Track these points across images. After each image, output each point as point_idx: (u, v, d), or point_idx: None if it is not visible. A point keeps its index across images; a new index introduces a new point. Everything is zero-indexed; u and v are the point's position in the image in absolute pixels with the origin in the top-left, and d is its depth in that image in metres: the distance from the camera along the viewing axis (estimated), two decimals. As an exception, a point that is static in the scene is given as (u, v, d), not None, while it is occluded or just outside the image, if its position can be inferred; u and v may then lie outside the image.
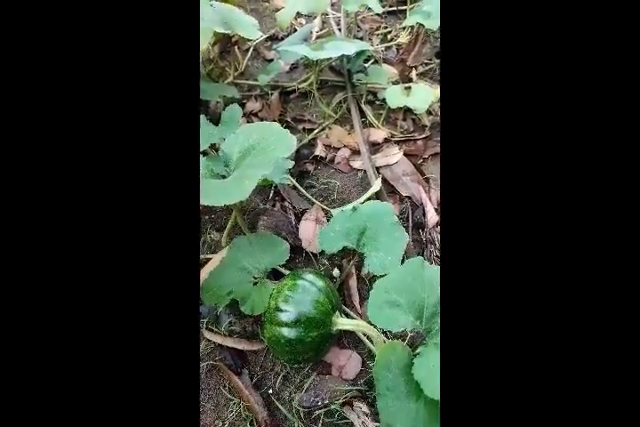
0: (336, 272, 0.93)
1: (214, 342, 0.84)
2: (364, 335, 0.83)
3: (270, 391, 0.80)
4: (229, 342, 0.84)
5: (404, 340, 0.83)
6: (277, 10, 1.38)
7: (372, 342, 0.79)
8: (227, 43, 1.36)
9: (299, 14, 1.54)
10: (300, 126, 1.23)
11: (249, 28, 1.08)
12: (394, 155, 1.15)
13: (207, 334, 0.85)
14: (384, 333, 0.83)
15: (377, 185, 1.03)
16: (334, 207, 1.03)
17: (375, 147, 1.19)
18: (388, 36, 1.50)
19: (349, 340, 0.86)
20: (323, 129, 1.22)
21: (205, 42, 1.00)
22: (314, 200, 1.04)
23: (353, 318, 0.86)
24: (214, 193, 0.64)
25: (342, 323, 0.74)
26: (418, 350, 0.65)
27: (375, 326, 0.74)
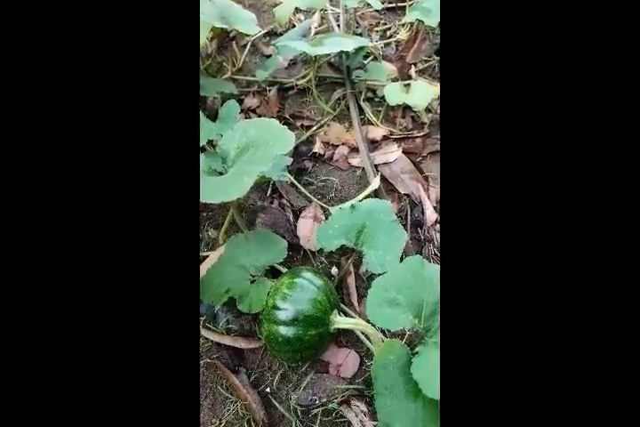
0: (334, 270, 0.93)
1: (211, 341, 0.83)
2: (363, 334, 0.82)
3: (268, 390, 0.80)
4: (227, 341, 0.83)
5: (402, 339, 0.83)
6: (276, 5, 1.37)
7: (371, 341, 0.78)
8: (224, 38, 1.35)
9: (297, 10, 1.52)
10: (299, 123, 1.22)
11: (247, 23, 1.07)
12: (392, 152, 1.14)
13: (204, 332, 0.84)
14: (382, 331, 0.82)
15: (375, 183, 1.02)
16: (332, 205, 1.02)
17: (374, 144, 1.18)
18: (388, 33, 1.49)
19: (348, 338, 0.85)
20: (321, 126, 1.21)
21: (203, 37, 0.99)
22: (312, 198, 1.03)
23: (351, 316, 0.85)
24: (212, 190, 0.63)
25: (340, 321, 0.74)
26: (416, 349, 0.64)
27: (374, 325, 0.73)
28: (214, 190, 0.63)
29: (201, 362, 0.82)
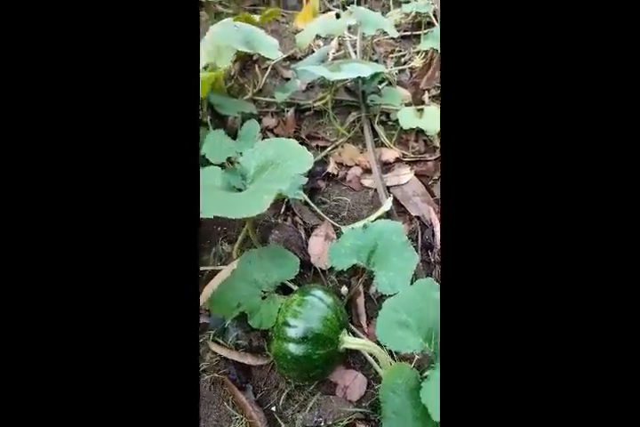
0: (344, 290, 0.93)
1: (220, 355, 0.84)
2: (371, 356, 0.82)
3: (273, 409, 0.79)
4: (235, 356, 0.83)
5: (410, 362, 0.82)
6: (297, 31, 1.43)
7: (379, 363, 0.78)
8: (247, 61, 1.41)
9: (317, 36, 1.59)
10: (314, 144, 1.25)
11: (269, 48, 1.12)
12: (405, 175, 1.16)
13: (213, 347, 0.84)
14: (390, 354, 0.82)
15: (387, 204, 1.04)
16: (344, 224, 1.04)
17: (386, 166, 1.20)
18: (402, 60, 1.54)
19: (355, 360, 0.85)
20: (335, 147, 1.24)
21: (228, 60, 1.04)
22: (324, 216, 1.05)
23: (360, 337, 0.85)
24: (232, 205, 0.65)
25: (350, 342, 0.74)
26: (426, 373, 0.64)
27: (383, 347, 0.73)
28: (235, 206, 0.65)
29: (208, 377, 0.82)
